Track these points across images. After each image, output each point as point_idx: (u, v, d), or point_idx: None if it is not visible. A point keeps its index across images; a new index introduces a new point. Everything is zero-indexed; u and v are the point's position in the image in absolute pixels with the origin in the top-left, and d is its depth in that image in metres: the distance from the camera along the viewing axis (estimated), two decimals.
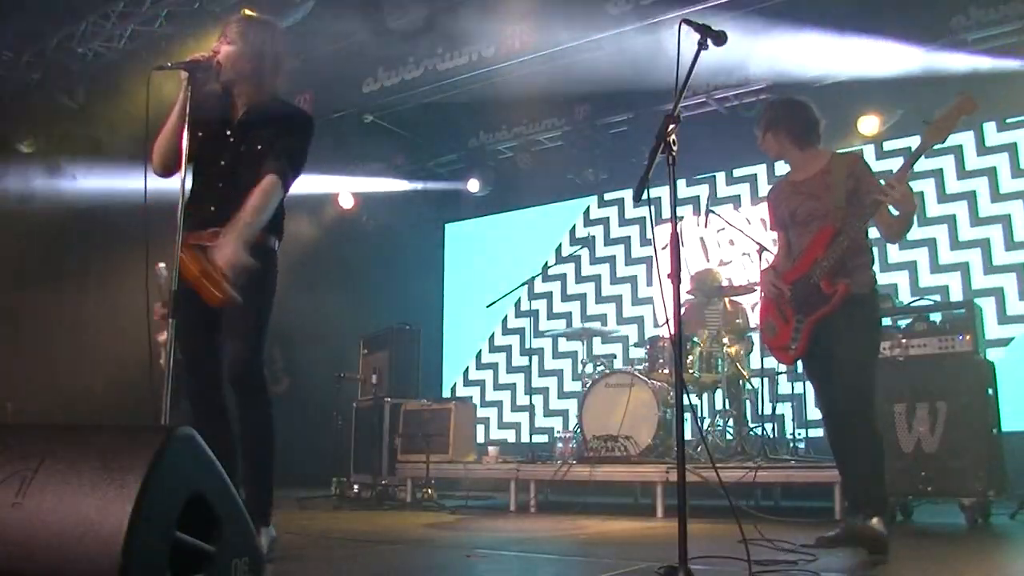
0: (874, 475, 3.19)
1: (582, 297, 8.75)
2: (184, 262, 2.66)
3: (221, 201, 2.98)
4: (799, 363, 3.58)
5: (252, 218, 2.83)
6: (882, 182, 3.26)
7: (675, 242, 2.46)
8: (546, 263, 8.51)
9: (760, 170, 7.81)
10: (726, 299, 6.16)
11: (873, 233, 3.39)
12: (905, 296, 6.75)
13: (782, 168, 7.61)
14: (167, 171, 2.98)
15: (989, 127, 6.77)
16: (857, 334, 3.26)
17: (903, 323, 4.60)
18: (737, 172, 7.97)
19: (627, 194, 8.44)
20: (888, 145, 7.12)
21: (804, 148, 3.42)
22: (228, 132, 3.03)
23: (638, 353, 6.42)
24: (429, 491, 5.87)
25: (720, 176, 8.05)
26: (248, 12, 3.16)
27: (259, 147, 2.99)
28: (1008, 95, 6.22)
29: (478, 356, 9.19)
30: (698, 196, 8.06)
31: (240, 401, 2.90)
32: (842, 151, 3.61)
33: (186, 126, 2.81)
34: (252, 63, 3.02)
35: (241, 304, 2.81)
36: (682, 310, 3.34)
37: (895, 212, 3.24)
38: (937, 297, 6.59)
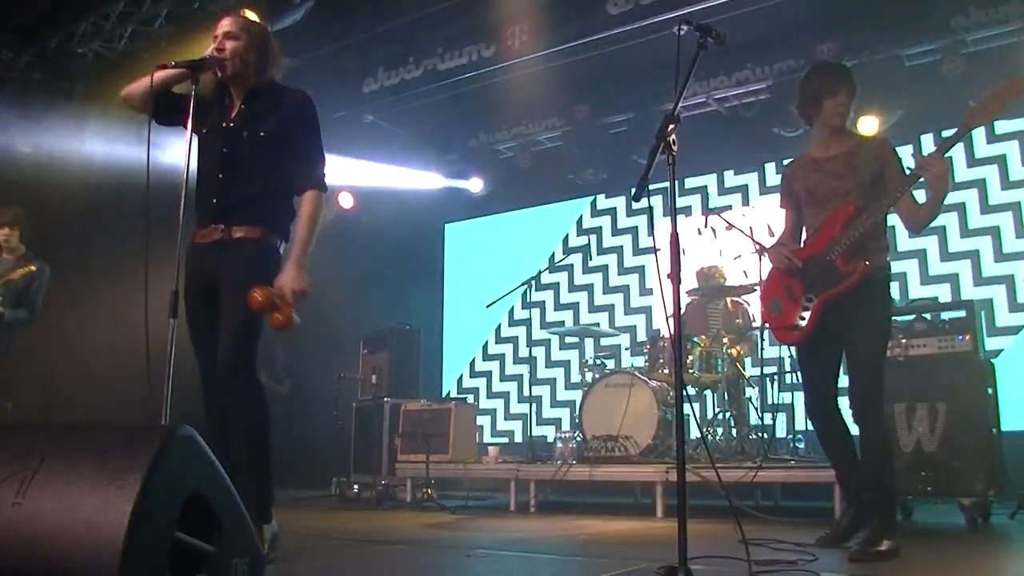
0: (881, 475, 3.13)
1: (585, 291, 8.75)
2: (253, 296, 2.76)
3: (222, 192, 2.98)
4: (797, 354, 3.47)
5: (308, 241, 2.97)
6: (908, 168, 3.12)
7: (675, 242, 2.46)
8: (552, 255, 8.56)
9: (759, 171, 7.83)
10: (727, 299, 6.16)
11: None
12: (915, 284, 6.80)
13: (779, 168, 7.65)
14: (141, 107, 2.98)
15: (979, 139, 6.77)
16: (872, 320, 3.14)
17: (903, 323, 4.60)
18: (736, 172, 7.97)
19: (627, 194, 8.44)
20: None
21: (845, 123, 3.29)
22: (225, 123, 3.03)
23: (638, 353, 6.42)
24: (429, 491, 5.87)
25: (719, 177, 8.05)
26: (244, 11, 3.16)
27: (262, 134, 2.99)
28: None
29: (475, 360, 9.22)
30: (697, 196, 8.09)
31: (231, 397, 2.87)
32: (869, 136, 3.44)
33: (191, 126, 2.81)
34: (258, 54, 3.03)
35: (239, 301, 2.81)
36: (682, 310, 3.33)
37: (920, 200, 3.09)
38: (947, 286, 6.64)
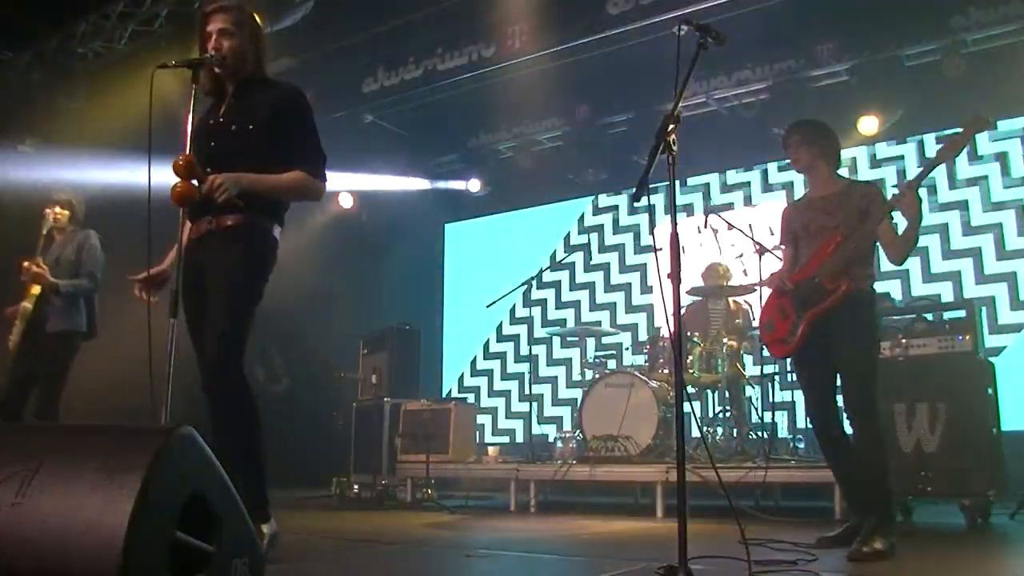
0: (877, 480, 3.24)
1: (580, 297, 8.75)
2: (187, 159, 2.66)
3: None
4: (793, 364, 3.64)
5: (269, 183, 2.91)
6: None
7: (674, 242, 2.46)
8: (553, 253, 8.54)
9: (758, 171, 7.83)
10: (728, 299, 6.16)
11: None
12: (917, 282, 6.80)
13: (777, 169, 7.66)
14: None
15: (981, 136, 6.75)
16: (857, 332, 3.35)
17: (903, 323, 4.60)
18: (736, 172, 7.97)
19: (627, 192, 8.44)
20: (880, 151, 7.17)
21: (830, 168, 3.60)
22: (215, 119, 3.02)
23: (639, 352, 6.42)
24: (429, 491, 5.87)
25: (719, 176, 8.05)
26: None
27: (251, 127, 2.97)
28: (999, 102, 6.20)
29: (476, 358, 9.21)
30: (697, 196, 8.09)
31: (219, 396, 2.85)
32: (860, 180, 3.73)
33: (190, 124, 2.81)
34: (253, 50, 3.03)
35: (223, 299, 2.80)
36: (682, 310, 3.36)
37: (899, 227, 3.34)
38: (949, 284, 6.66)
